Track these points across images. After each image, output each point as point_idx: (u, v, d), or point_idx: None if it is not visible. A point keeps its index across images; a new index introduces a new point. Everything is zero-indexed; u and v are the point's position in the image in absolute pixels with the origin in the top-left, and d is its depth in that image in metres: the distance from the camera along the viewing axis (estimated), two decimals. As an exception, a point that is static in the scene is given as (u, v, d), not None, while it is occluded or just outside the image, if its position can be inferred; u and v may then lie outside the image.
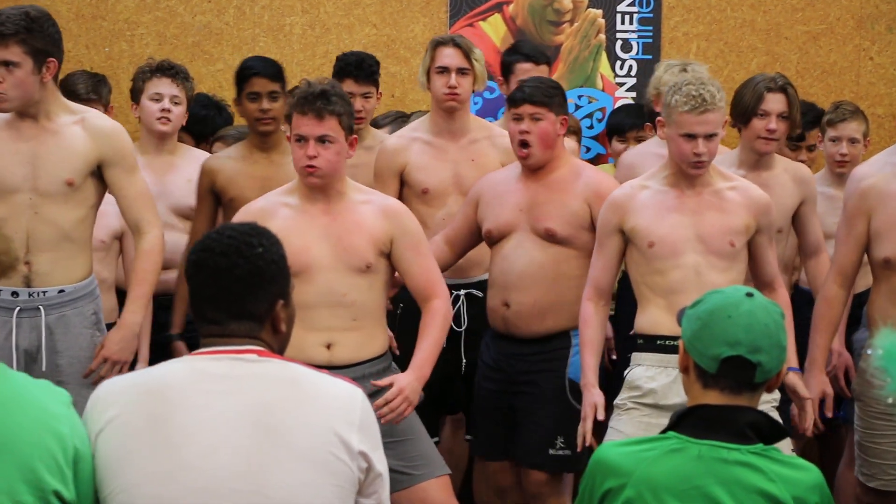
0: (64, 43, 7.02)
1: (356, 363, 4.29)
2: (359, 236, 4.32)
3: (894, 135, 7.31)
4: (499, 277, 4.88)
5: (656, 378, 4.41)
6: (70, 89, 5.87)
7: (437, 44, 5.31)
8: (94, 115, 4.56)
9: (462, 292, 5.25)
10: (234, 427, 2.67)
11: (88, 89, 5.96)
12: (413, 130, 5.47)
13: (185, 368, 2.75)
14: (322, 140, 4.26)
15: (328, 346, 4.29)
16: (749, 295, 2.85)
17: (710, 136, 4.38)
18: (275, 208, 4.35)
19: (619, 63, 7.31)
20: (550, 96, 4.87)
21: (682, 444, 2.82)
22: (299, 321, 4.13)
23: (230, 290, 2.74)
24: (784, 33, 7.36)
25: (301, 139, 4.28)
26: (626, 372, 4.53)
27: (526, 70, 5.66)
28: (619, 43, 7.31)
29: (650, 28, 7.31)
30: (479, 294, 5.21)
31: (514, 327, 4.88)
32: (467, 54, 5.32)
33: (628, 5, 7.29)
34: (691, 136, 4.36)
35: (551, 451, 4.85)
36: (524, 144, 4.85)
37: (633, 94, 7.31)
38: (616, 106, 7.20)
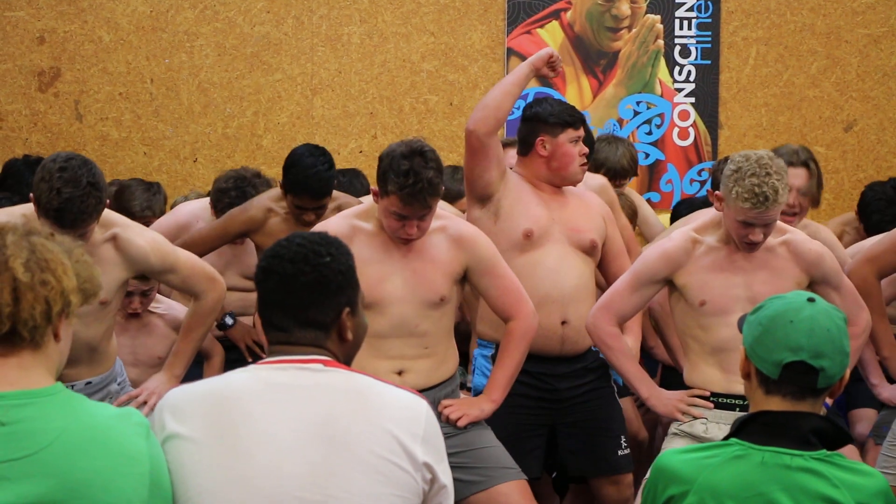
0: (124, 54, 7.16)
1: (426, 388, 4.29)
2: (434, 271, 4.32)
3: (957, 137, 7.26)
4: (553, 293, 4.76)
5: (710, 430, 4.38)
6: (124, 205, 5.90)
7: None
8: (126, 232, 4.39)
9: None
10: (299, 437, 2.67)
11: (143, 206, 5.98)
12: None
13: (251, 378, 2.75)
14: (423, 217, 4.24)
15: (400, 373, 4.29)
16: (811, 300, 2.83)
17: (768, 225, 4.32)
18: (350, 234, 4.26)
19: (677, 68, 7.29)
20: None
21: (745, 450, 2.79)
22: (371, 349, 4.16)
23: (296, 297, 2.75)
24: (844, 37, 7.31)
25: (403, 217, 4.22)
26: (678, 424, 4.49)
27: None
28: (677, 48, 7.29)
29: (709, 33, 7.28)
30: None
31: (572, 344, 4.81)
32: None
33: (686, 10, 7.27)
34: (749, 224, 4.31)
35: (620, 452, 4.89)
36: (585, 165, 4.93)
37: (692, 100, 7.28)
38: (675, 112, 7.17)
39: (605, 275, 4.98)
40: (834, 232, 6.05)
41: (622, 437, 4.91)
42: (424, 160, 4.19)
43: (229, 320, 5.50)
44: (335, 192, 5.48)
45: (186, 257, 4.52)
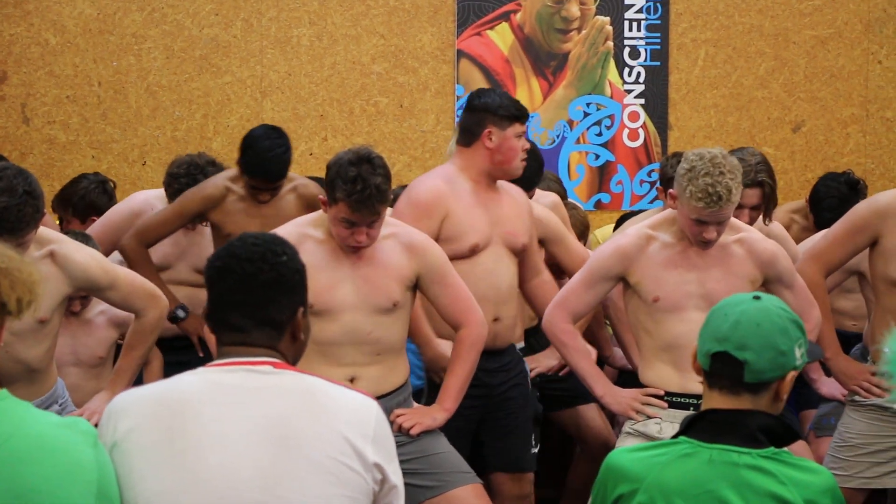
0: (71, 57, 7.11)
1: (378, 396, 4.26)
2: (385, 277, 4.31)
3: (904, 138, 7.32)
4: (489, 293, 4.76)
5: (664, 430, 4.37)
6: (65, 192, 5.90)
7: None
8: (63, 247, 4.27)
9: None
10: (249, 439, 2.66)
11: (81, 196, 5.95)
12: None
13: (199, 380, 2.74)
14: (372, 224, 4.23)
15: (352, 380, 4.29)
16: (756, 298, 2.84)
17: (721, 223, 4.32)
18: (299, 241, 4.18)
19: (627, 70, 7.31)
20: None
21: (694, 448, 2.81)
22: (323, 356, 4.19)
23: (255, 296, 2.74)
24: (792, 38, 7.36)
25: (351, 224, 4.21)
26: (632, 423, 4.49)
27: None
28: (626, 50, 7.31)
29: (658, 35, 7.31)
30: None
31: (502, 340, 4.85)
32: None
33: (636, 12, 7.30)
34: (702, 223, 4.31)
35: (532, 451, 4.96)
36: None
37: (642, 101, 7.30)
38: (624, 113, 7.19)
39: (522, 269, 4.98)
40: (782, 221, 6.04)
41: (533, 435, 4.96)
42: (372, 167, 4.19)
43: (181, 313, 5.47)
44: (291, 174, 5.48)
45: (125, 274, 4.44)
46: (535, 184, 5.42)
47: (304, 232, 4.32)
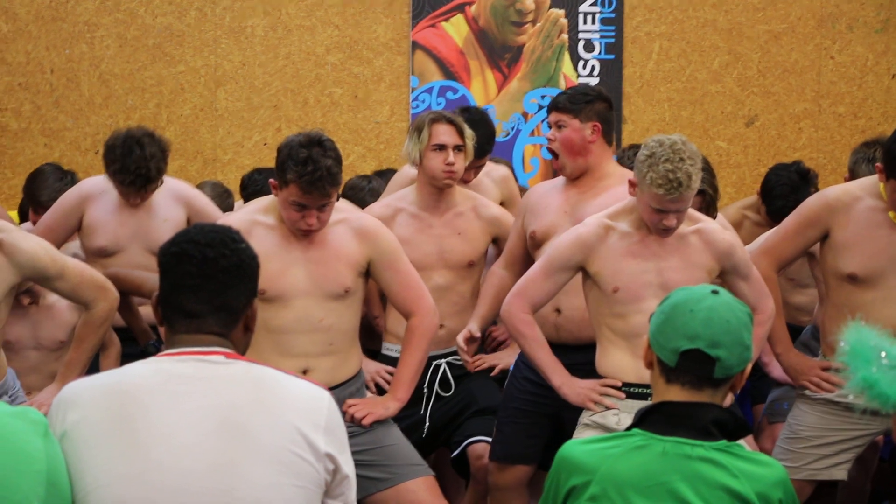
0: (23, 44, 7.06)
1: (331, 387, 4.24)
2: (337, 262, 4.30)
3: (855, 133, 7.36)
4: None
5: (622, 422, 4.36)
6: (34, 192, 5.82)
7: (433, 121, 5.07)
8: (10, 236, 4.20)
9: (443, 361, 5.10)
10: (201, 427, 2.66)
11: (50, 196, 5.83)
12: (399, 200, 5.21)
13: (151, 370, 2.73)
14: (322, 207, 4.22)
15: (304, 372, 4.27)
16: (714, 292, 2.85)
17: (681, 210, 4.32)
18: (249, 228, 4.23)
19: (581, 63, 7.33)
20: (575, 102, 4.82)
21: (647, 440, 2.82)
22: (275, 346, 4.19)
23: (215, 280, 2.74)
24: (746, 32, 7.39)
25: (302, 207, 4.21)
26: (590, 415, 4.47)
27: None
28: (581, 43, 7.33)
29: (612, 28, 7.33)
30: (459, 361, 5.07)
31: (567, 333, 4.76)
32: (461, 132, 5.09)
33: (590, 5, 7.31)
34: (662, 211, 4.30)
35: None
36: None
37: (596, 94, 7.32)
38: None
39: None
40: (734, 217, 6.07)
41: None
42: (323, 149, 4.20)
43: (153, 349, 5.37)
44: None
45: (74, 264, 4.37)
46: (487, 151, 5.39)
47: (254, 219, 4.32)
